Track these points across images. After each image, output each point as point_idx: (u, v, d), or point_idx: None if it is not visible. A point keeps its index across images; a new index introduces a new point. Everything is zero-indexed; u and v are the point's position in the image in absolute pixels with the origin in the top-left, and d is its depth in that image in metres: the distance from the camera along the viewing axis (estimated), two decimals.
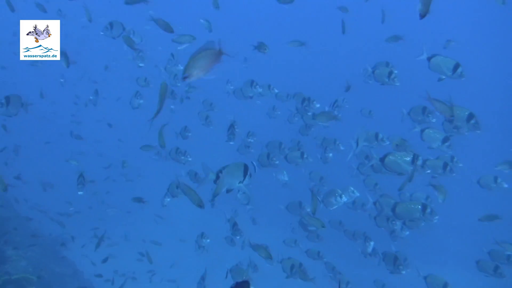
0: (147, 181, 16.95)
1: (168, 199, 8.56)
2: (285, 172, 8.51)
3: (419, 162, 5.17)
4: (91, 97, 10.27)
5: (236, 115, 7.80)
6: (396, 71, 6.81)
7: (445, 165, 6.03)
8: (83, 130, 16.49)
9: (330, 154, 7.81)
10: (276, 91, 8.02)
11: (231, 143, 7.49)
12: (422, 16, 3.95)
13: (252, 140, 8.39)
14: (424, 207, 5.63)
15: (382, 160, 5.37)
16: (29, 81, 18.64)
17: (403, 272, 6.18)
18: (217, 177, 4.05)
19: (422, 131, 6.09)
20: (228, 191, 4.18)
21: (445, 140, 5.95)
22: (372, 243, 6.92)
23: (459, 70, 5.39)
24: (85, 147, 17.86)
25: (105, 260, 10.52)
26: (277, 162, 7.43)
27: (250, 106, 9.61)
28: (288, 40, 8.53)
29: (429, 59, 5.61)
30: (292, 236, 9.13)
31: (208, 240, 7.53)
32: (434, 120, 6.41)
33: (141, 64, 8.11)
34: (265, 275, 8.42)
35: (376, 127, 7.04)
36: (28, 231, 12.07)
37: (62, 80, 11.75)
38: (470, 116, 5.52)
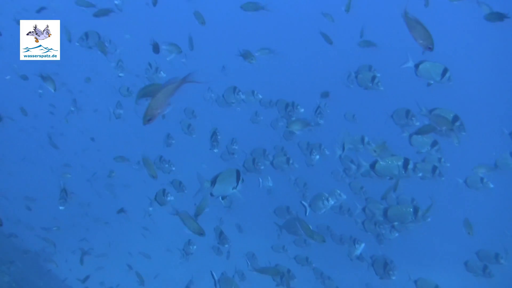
0: (132, 191, 16.74)
1: (151, 208, 8.45)
2: (269, 178, 8.44)
3: (411, 166, 5.13)
4: (72, 108, 10.08)
5: (217, 122, 7.71)
6: (379, 75, 6.82)
7: (434, 169, 6.03)
8: (64, 142, 16.26)
9: (317, 156, 7.71)
10: (260, 96, 7.96)
11: (215, 150, 7.39)
12: (431, 49, 3.99)
13: (236, 147, 8.31)
14: (416, 210, 5.62)
15: (372, 166, 5.33)
16: (7, 94, 18.41)
17: (393, 277, 6.14)
18: (212, 185, 4.13)
19: (411, 136, 6.07)
20: (223, 198, 4.36)
21: (433, 144, 5.95)
22: (363, 244, 6.87)
23: (447, 75, 5.37)
24: (67, 158, 17.61)
25: (85, 279, 10.32)
26: (262, 167, 7.38)
27: (232, 113, 9.52)
28: (271, 47, 8.41)
29: (416, 66, 5.58)
30: (279, 242, 9.06)
31: (195, 247, 7.43)
32: (418, 124, 6.39)
33: (121, 74, 7.99)
34: (252, 283, 8.34)
35: (360, 131, 7.00)
36: (11, 246, 11.86)
37: (40, 91, 11.51)
38: (455, 118, 5.50)
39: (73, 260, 11.72)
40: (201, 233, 5.07)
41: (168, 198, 6.41)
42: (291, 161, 7.29)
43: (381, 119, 6.93)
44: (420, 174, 5.71)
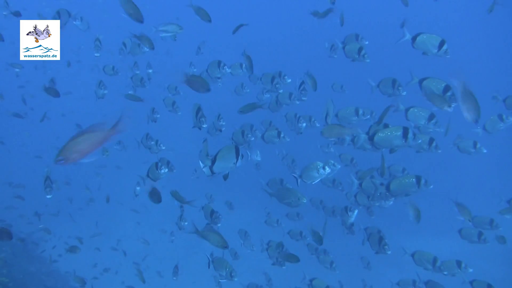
0: (124, 173, 16.53)
1: (139, 188, 8.30)
2: (258, 152, 8.29)
3: (410, 135, 4.99)
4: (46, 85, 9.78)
5: (200, 99, 7.50)
6: (367, 42, 6.72)
7: (431, 141, 5.91)
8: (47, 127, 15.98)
9: (304, 124, 7.55)
10: None
11: (204, 126, 7.21)
12: (477, 121, 3.87)
13: (223, 123, 8.14)
14: (419, 179, 5.49)
15: (371, 138, 5.18)
16: None
17: (389, 252, 6.07)
18: (213, 162, 4.20)
19: (407, 110, 5.91)
20: (225, 177, 4.40)
21: (431, 117, 5.79)
22: (356, 211, 6.78)
23: (444, 47, 5.29)
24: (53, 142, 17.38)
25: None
26: (252, 138, 7.26)
27: (215, 89, 9.31)
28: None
29: (413, 38, 5.48)
30: (272, 218, 8.95)
31: (187, 223, 7.34)
32: (404, 93, 6.26)
33: (97, 54, 7.76)
34: (245, 262, 8.27)
35: (349, 102, 6.88)
36: None
37: (17, 69, 10.99)
38: (446, 88, 5.35)
39: (61, 246, 11.63)
40: (225, 246, 5.04)
41: (162, 171, 6.29)
42: (282, 135, 7.17)
43: (369, 89, 6.77)
44: (420, 141, 5.57)
